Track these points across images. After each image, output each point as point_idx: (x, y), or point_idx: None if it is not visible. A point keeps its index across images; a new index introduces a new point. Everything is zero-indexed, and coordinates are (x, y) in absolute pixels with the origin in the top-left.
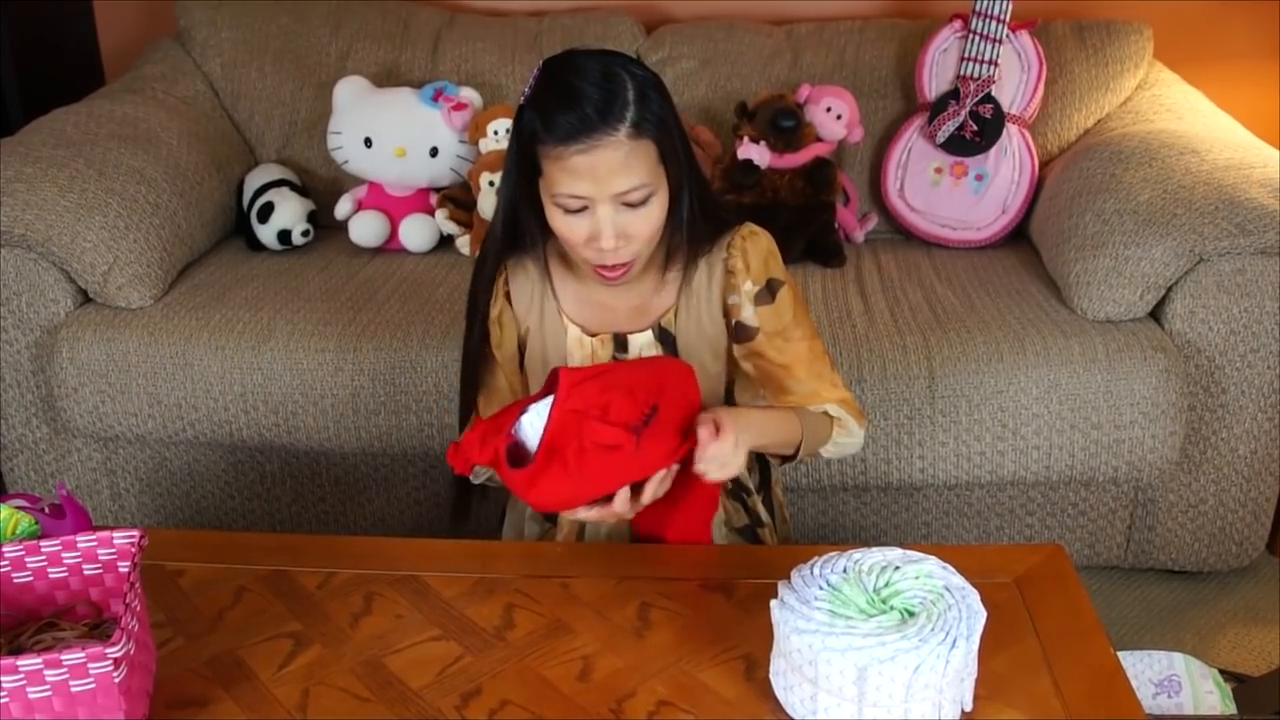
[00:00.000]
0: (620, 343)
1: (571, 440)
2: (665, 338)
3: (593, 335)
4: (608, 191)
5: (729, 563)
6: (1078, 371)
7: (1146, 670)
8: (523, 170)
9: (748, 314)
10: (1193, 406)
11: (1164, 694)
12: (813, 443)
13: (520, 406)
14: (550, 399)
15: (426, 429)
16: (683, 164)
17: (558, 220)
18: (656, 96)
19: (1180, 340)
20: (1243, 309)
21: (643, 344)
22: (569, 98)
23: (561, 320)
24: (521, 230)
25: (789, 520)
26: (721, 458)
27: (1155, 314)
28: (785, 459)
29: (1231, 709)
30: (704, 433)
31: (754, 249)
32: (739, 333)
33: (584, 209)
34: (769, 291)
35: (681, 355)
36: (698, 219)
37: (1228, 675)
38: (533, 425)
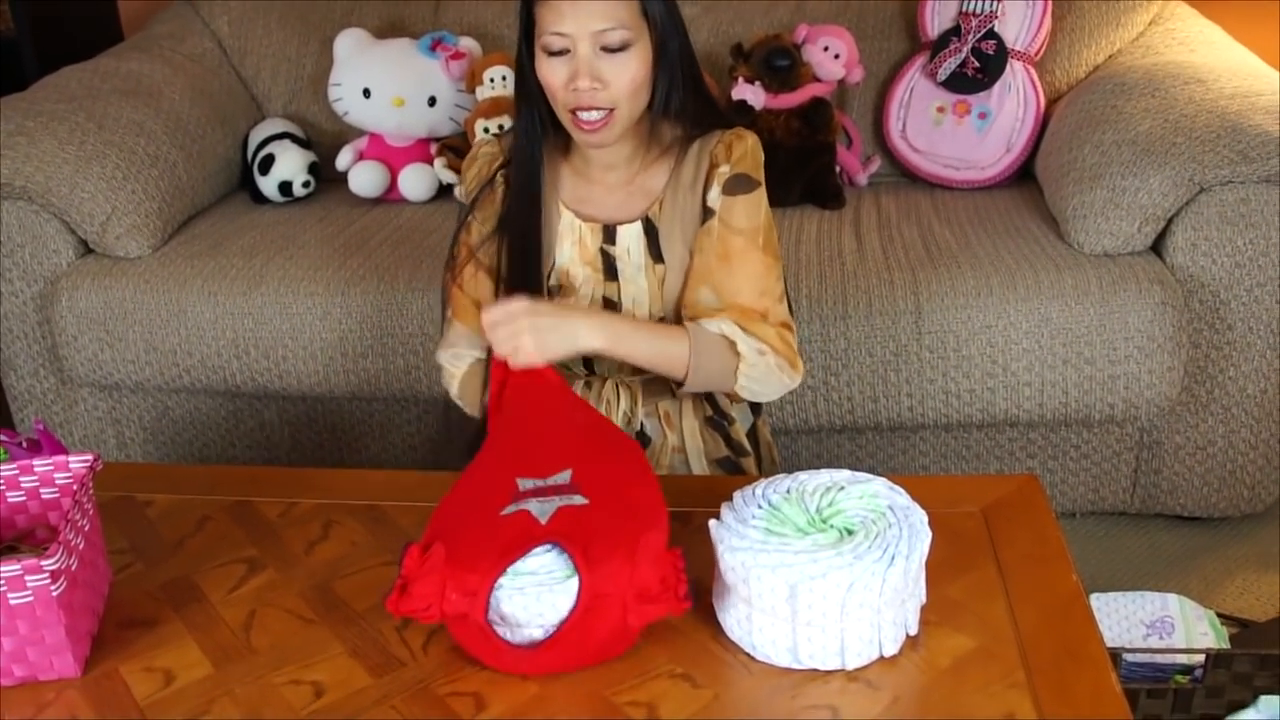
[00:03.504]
0: (609, 233)
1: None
2: (650, 230)
3: (585, 220)
4: (586, 29)
5: (689, 490)
6: (1069, 305)
7: (1139, 611)
8: (527, 34)
9: (712, 195)
10: (1197, 344)
11: (1155, 635)
12: (708, 366)
13: (499, 568)
14: (538, 562)
15: (414, 372)
16: (668, 28)
17: (543, 67)
18: None
19: (1182, 274)
20: (1247, 240)
21: (631, 235)
22: None
23: (557, 205)
24: (533, 109)
25: (778, 463)
26: (503, 322)
27: (1157, 248)
28: (678, 383)
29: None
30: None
31: (738, 144)
32: (703, 215)
33: (565, 51)
34: (743, 183)
35: (662, 248)
36: (682, 91)
37: (1230, 620)
38: (524, 603)
